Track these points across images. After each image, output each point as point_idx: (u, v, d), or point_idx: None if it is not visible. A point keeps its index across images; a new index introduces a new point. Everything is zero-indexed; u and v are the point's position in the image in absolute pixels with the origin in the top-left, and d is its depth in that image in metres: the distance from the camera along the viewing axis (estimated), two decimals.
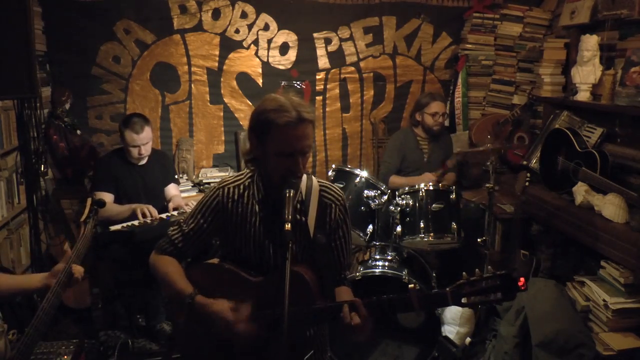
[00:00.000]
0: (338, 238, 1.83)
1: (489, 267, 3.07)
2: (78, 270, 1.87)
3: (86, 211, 2.23)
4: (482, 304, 1.49)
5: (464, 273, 1.51)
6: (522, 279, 1.44)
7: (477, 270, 1.51)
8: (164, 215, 3.15)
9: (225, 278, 1.77)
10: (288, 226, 1.48)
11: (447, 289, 1.51)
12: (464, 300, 1.48)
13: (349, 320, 1.54)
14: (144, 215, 3.06)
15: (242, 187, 1.79)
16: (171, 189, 3.48)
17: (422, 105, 3.69)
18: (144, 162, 3.37)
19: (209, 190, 1.82)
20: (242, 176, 1.82)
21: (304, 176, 1.81)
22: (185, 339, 1.86)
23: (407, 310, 1.56)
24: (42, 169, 3.09)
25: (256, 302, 1.69)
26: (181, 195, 3.56)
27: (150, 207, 3.12)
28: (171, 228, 1.85)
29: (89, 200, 2.27)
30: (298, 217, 1.75)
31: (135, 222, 3.04)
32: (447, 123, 4.36)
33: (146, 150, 3.28)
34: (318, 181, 1.84)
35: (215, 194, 1.79)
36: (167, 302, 3.35)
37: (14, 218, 3.25)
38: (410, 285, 1.57)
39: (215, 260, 1.90)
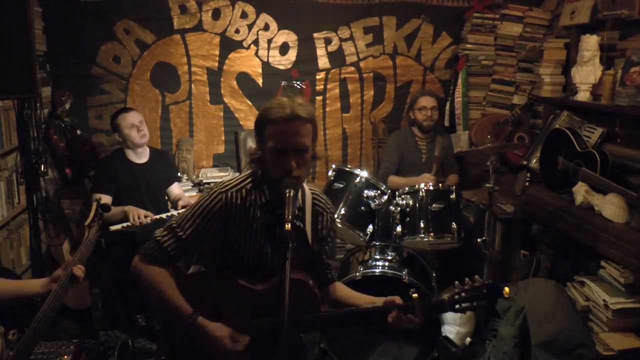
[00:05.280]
0: (327, 243, 1.87)
1: (486, 269, 3.07)
2: (79, 269, 1.84)
3: (91, 215, 2.21)
4: (471, 309, 1.70)
5: (456, 282, 1.72)
6: (506, 289, 1.68)
7: (467, 279, 1.72)
8: (164, 215, 3.15)
9: (224, 288, 1.71)
10: (288, 226, 1.46)
11: (446, 297, 1.71)
12: (457, 306, 1.69)
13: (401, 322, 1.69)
14: (133, 219, 3.05)
15: (244, 191, 1.74)
16: (175, 188, 3.48)
17: (413, 102, 3.78)
18: (145, 159, 3.36)
19: (208, 194, 1.73)
20: (243, 180, 1.77)
21: None
22: (177, 352, 1.80)
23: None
24: (42, 169, 3.08)
25: (260, 311, 1.68)
26: (185, 194, 3.55)
27: (141, 212, 3.09)
28: (160, 232, 1.72)
29: (95, 205, 2.27)
30: (297, 223, 1.72)
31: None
32: (447, 123, 4.37)
33: (145, 129, 3.30)
34: (309, 188, 1.84)
35: (218, 198, 1.70)
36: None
37: (14, 218, 3.25)
38: (415, 295, 1.69)
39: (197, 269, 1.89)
